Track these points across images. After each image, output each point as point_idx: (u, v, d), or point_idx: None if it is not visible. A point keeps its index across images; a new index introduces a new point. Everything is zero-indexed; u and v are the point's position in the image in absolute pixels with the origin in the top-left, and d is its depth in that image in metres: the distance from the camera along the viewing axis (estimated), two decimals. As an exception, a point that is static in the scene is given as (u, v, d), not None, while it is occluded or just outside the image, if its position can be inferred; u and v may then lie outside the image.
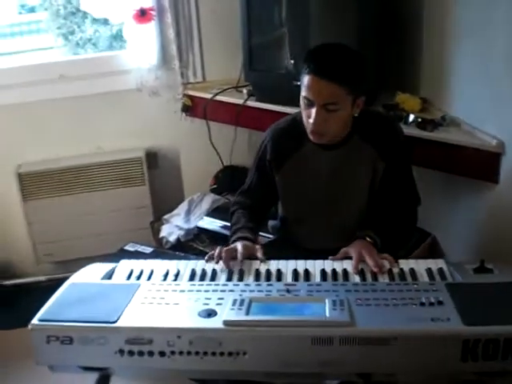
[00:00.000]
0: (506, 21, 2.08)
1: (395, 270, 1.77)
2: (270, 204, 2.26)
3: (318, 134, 1.96)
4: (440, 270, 1.76)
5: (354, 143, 2.05)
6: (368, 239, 1.94)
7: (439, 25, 2.49)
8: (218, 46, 3.16)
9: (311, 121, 1.92)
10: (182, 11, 3.11)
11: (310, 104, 1.91)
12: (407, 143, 2.13)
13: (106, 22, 3.35)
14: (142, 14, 2.99)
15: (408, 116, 2.44)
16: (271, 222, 2.36)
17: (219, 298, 1.61)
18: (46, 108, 3.18)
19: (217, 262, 1.86)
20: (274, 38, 2.87)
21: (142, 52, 3.08)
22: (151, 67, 3.09)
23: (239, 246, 1.92)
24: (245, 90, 3.00)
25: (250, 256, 1.91)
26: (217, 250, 1.90)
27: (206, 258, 1.91)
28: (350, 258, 1.86)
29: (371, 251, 1.85)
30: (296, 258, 1.88)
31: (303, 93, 1.92)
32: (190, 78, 3.23)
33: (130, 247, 2.34)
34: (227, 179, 3.23)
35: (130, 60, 3.12)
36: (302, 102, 1.95)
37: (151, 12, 2.99)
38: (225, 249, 1.90)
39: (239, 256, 1.87)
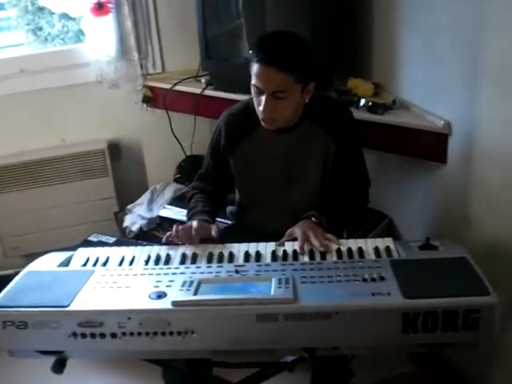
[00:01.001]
0: (451, 4, 2.13)
1: (343, 249, 1.82)
2: (227, 188, 2.30)
3: (269, 120, 2.00)
4: (387, 248, 1.80)
5: (305, 127, 2.09)
6: (313, 219, 1.97)
7: (389, 9, 2.54)
8: (177, 37, 3.18)
9: (261, 108, 1.95)
10: (140, 3, 3.12)
11: (259, 92, 1.94)
12: (356, 125, 2.17)
13: (72, 16, 3.35)
14: (100, 7, 2.99)
15: (359, 100, 2.49)
16: (229, 208, 2.40)
17: (170, 281, 1.65)
18: (8, 102, 3.17)
19: (173, 241, 1.92)
20: (230, 28, 2.91)
21: (100, 44, 3.08)
22: (110, 59, 3.10)
23: (194, 223, 1.95)
24: (203, 80, 3.03)
25: (205, 235, 1.95)
26: (173, 228, 1.94)
27: (163, 240, 1.95)
28: (295, 239, 1.90)
29: (315, 231, 1.88)
30: (251, 240, 1.93)
31: (253, 81, 1.95)
32: (149, 69, 3.25)
33: (93, 238, 2.35)
34: (190, 168, 3.24)
35: (89, 53, 3.12)
36: (252, 89, 1.98)
37: (108, 5, 3.00)
38: (181, 227, 1.93)
39: (193, 233, 1.90)
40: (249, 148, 2.14)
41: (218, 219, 2.54)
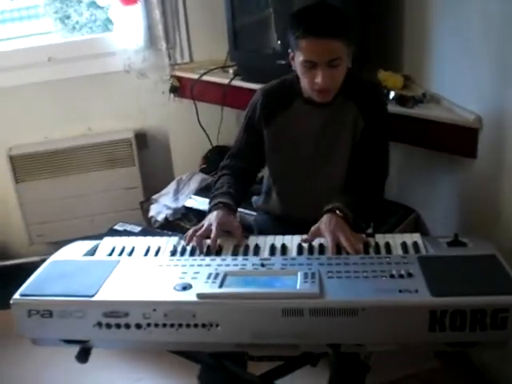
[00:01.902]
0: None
1: (371, 245, 1.79)
2: (259, 166, 2.27)
3: (326, 91, 1.99)
4: (415, 244, 1.78)
5: (340, 102, 2.08)
6: (338, 212, 1.89)
7: (420, 2, 2.51)
8: (205, 27, 3.19)
9: (319, 80, 1.93)
10: (168, -8, 3.12)
11: (312, 66, 1.93)
12: (386, 109, 2.16)
13: (100, 5, 3.37)
14: (128, -4, 3.01)
15: (389, 93, 2.46)
16: (254, 198, 2.39)
17: (195, 273, 1.64)
18: (36, 91, 3.21)
19: (187, 245, 1.85)
20: (259, 19, 2.90)
21: (128, 34, 3.10)
22: (138, 49, 3.12)
23: (214, 227, 1.88)
24: (231, 70, 3.02)
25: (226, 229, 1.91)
26: (190, 232, 1.88)
27: (182, 240, 1.89)
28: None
29: (345, 231, 1.81)
30: (276, 233, 1.91)
31: (303, 57, 1.92)
32: (177, 58, 3.26)
33: (119, 227, 2.35)
34: (216, 159, 3.22)
35: (117, 42, 3.14)
36: (301, 66, 1.96)
37: (137, -7, 3.01)
38: (198, 233, 1.86)
39: (212, 243, 1.83)
40: (285, 121, 2.13)
41: (243, 210, 2.55)
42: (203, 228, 1.89)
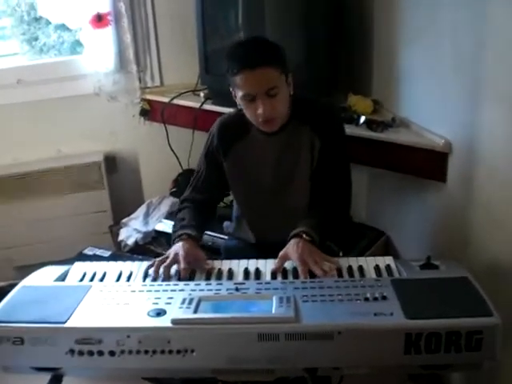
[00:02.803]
0: (451, 21, 2.13)
1: (344, 268, 1.81)
2: (220, 195, 2.31)
3: (270, 121, 2.00)
4: (387, 267, 1.80)
5: (294, 126, 2.10)
6: (305, 236, 1.90)
7: (388, 27, 2.54)
8: (176, 50, 3.18)
9: (260, 111, 1.95)
10: (139, 16, 3.12)
11: (251, 98, 1.95)
12: (342, 126, 2.18)
13: (69, 27, 3.35)
14: (99, 19, 2.99)
15: (359, 118, 2.48)
16: (226, 223, 2.39)
17: (169, 298, 1.64)
18: (4, 113, 3.16)
19: (154, 278, 1.83)
20: (230, 43, 2.90)
21: (99, 56, 3.08)
22: (109, 72, 3.10)
23: (181, 256, 1.88)
24: (202, 94, 3.02)
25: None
26: (156, 263, 1.87)
27: (145, 268, 1.88)
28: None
29: (312, 254, 1.83)
30: (250, 255, 1.92)
31: (241, 92, 1.96)
32: (147, 82, 3.24)
33: (88, 251, 2.33)
34: (187, 182, 3.19)
35: (87, 64, 3.11)
36: (242, 101, 1.99)
37: (108, 17, 3.00)
38: (165, 265, 1.86)
39: (183, 273, 1.83)
40: (242, 151, 2.15)
41: (214, 234, 2.55)
42: (169, 258, 1.89)
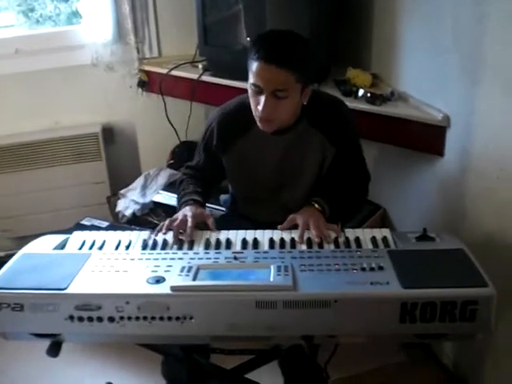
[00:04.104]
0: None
1: (341, 239, 1.81)
2: (217, 181, 2.27)
3: (267, 121, 1.94)
4: (384, 239, 1.80)
5: (303, 128, 2.05)
6: (316, 206, 1.95)
7: (388, 1, 2.54)
8: (174, 21, 3.18)
9: (260, 108, 1.90)
10: (137, -15, 3.10)
11: (258, 91, 1.89)
12: (355, 126, 2.13)
13: (65, -2, 3.34)
14: (97, -11, 2.98)
15: (358, 91, 2.49)
16: (223, 197, 2.40)
17: (168, 266, 1.65)
18: (2, 83, 3.15)
19: (164, 233, 1.86)
20: (229, 14, 2.90)
21: (97, 27, 3.07)
22: (106, 42, 3.10)
23: (189, 217, 1.90)
24: (200, 66, 3.01)
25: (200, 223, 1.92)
26: (166, 222, 1.89)
27: (155, 231, 1.89)
28: (297, 226, 1.88)
29: (318, 220, 1.87)
30: (246, 229, 1.91)
31: (251, 79, 1.89)
32: (145, 53, 3.25)
33: (86, 221, 2.33)
34: (184, 154, 3.23)
35: (85, 35, 3.11)
36: (249, 89, 1.93)
37: (106, -14, 2.99)
38: (175, 224, 1.88)
39: (188, 230, 1.85)
40: (243, 149, 2.11)
41: (212, 206, 2.56)
42: (179, 219, 1.90)
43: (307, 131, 2.05)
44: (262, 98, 1.88)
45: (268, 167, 2.11)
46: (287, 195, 2.15)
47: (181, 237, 1.85)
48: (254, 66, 1.87)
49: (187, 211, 1.94)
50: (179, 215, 1.93)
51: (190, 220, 1.89)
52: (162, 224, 1.91)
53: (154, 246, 1.81)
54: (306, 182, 2.11)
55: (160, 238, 1.86)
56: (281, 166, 2.10)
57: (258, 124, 1.98)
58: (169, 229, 1.88)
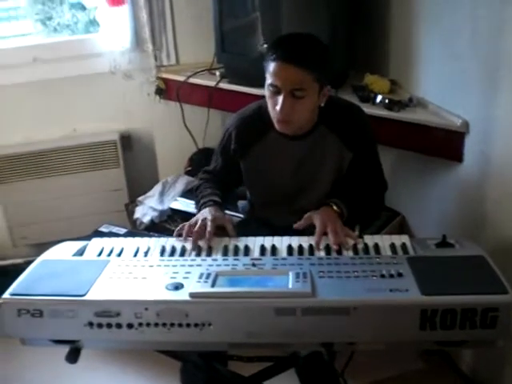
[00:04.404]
0: (472, 2, 2.12)
1: (360, 246, 1.81)
2: (235, 186, 2.27)
3: (285, 122, 1.94)
4: (403, 245, 1.79)
5: (320, 133, 2.05)
6: (334, 207, 1.94)
7: (407, 7, 2.53)
8: (191, 29, 3.18)
9: (278, 108, 1.90)
10: (155, -7, 3.12)
11: (276, 91, 1.90)
12: (372, 131, 2.12)
13: (83, 7, 3.36)
14: (115, -3, 3.00)
15: (376, 97, 2.48)
16: (241, 203, 2.40)
17: (187, 272, 1.65)
18: (20, 91, 3.17)
19: (184, 238, 1.87)
20: (246, 21, 2.90)
21: (115, 35, 3.08)
22: (124, 50, 3.10)
23: (209, 221, 1.90)
24: (218, 73, 3.02)
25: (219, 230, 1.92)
26: (186, 227, 1.90)
27: (174, 233, 1.91)
28: (313, 226, 1.88)
29: (335, 223, 1.86)
30: (264, 235, 1.91)
31: (269, 80, 1.91)
32: (163, 60, 3.25)
33: (104, 228, 2.34)
34: (202, 161, 3.23)
35: (103, 43, 3.12)
36: (267, 90, 1.94)
37: (124, -5, 3.00)
38: (194, 230, 1.88)
39: (208, 235, 1.86)
40: (260, 153, 2.11)
41: (229, 212, 2.55)
42: (198, 224, 1.90)
43: (325, 136, 2.05)
44: (280, 99, 1.89)
45: (285, 172, 2.11)
46: (304, 200, 2.14)
47: (199, 243, 1.85)
48: (271, 66, 1.89)
49: (207, 214, 1.95)
50: (199, 218, 1.94)
51: (209, 224, 1.89)
52: (180, 227, 1.92)
53: (173, 253, 1.82)
54: (323, 187, 2.11)
55: (179, 244, 1.86)
56: (298, 171, 2.10)
57: (276, 126, 1.98)
58: (188, 236, 1.88)
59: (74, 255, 1.84)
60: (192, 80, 3.10)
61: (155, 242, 1.88)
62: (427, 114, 2.39)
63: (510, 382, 2.23)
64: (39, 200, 3.29)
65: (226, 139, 2.16)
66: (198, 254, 1.81)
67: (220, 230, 1.92)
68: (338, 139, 2.05)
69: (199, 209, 2.04)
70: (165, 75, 3.23)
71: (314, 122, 2.03)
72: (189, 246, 1.85)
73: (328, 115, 2.04)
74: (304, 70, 1.86)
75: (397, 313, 1.50)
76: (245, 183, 2.22)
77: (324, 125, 2.05)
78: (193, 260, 1.75)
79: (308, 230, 1.91)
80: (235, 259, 1.74)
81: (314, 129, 2.04)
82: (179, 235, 1.91)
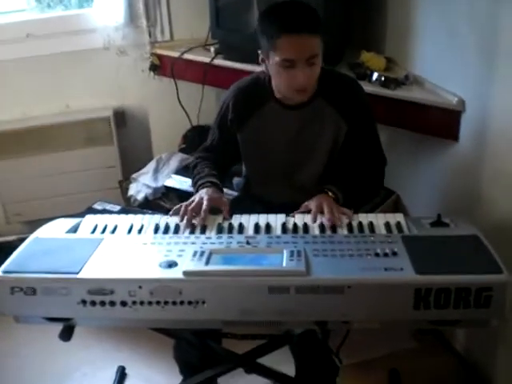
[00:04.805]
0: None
1: (354, 223, 1.80)
2: (232, 161, 2.26)
3: (305, 91, 1.95)
4: (398, 224, 1.79)
5: (318, 104, 2.05)
6: (330, 193, 1.94)
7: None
8: (186, 4, 3.14)
9: (299, 80, 1.89)
10: (149, -32, 3.07)
11: (290, 65, 1.88)
12: (369, 105, 2.12)
13: (77, -18, 3.32)
14: (109, -28, 2.96)
15: (372, 74, 2.46)
16: (236, 180, 2.39)
17: (180, 250, 1.64)
18: (14, 67, 3.14)
19: (181, 221, 1.85)
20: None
21: (108, 10, 3.04)
22: (118, 25, 3.07)
23: (205, 200, 1.89)
24: (212, 49, 2.99)
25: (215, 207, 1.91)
26: (182, 208, 1.88)
27: (170, 212, 1.91)
28: (310, 211, 1.87)
29: (330, 205, 1.86)
30: (259, 213, 1.90)
31: (281, 56, 1.87)
32: (157, 36, 3.21)
33: (98, 205, 2.33)
34: (196, 138, 3.22)
35: (96, 18, 3.08)
36: (277, 66, 1.90)
37: (118, -31, 2.96)
38: (190, 208, 1.87)
39: (202, 214, 1.85)
40: (258, 123, 2.11)
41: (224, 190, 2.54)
42: (194, 202, 1.89)
43: (322, 107, 2.05)
44: (298, 70, 1.88)
45: (282, 142, 2.11)
46: (301, 173, 2.14)
47: (194, 221, 1.84)
48: (279, 42, 1.86)
49: (204, 194, 1.94)
50: (196, 198, 1.92)
51: (205, 203, 1.88)
52: (176, 208, 1.90)
53: (167, 230, 1.81)
54: (320, 158, 2.11)
55: (172, 222, 1.85)
56: (295, 141, 2.10)
57: (293, 97, 1.99)
58: (184, 215, 1.86)
59: (68, 232, 1.83)
60: (186, 56, 3.06)
61: (149, 220, 1.87)
62: (423, 92, 2.38)
63: (503, 361, 2.24)
64: (32, 177, 3.27)
65: (224, 110, 2.15)
66: (192, 232, 1.80)
67: (214, 212, 1.90)
68: (335, 111, 2.05)
69: (196, 190, 2.03)
70: (159, 51, 3.20)
71: (314, 90, 2.01)
72: (183, 224, 1.84)
73: (326, 88, 2.03)
74: (315, 36, 1.86)
75: (391, 292, 1.50)
76: (242, 156, 2.21)
77: (322, 97, 2.04)
78: (187, 238, 1.74)
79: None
80: (229, 237, 1.74)
81: (313, 100, 2.04)
82: (175, 213, 1.89)
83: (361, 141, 2.09)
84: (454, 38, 2.21)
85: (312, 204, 1.88)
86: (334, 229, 1.78)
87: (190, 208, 1.87)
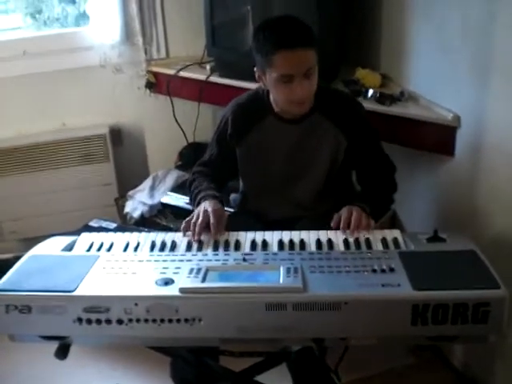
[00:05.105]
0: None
1: (351, 240, 1.81)
2: (229, 177, 2.27)
3: (304, 103, 1.98)
4: (394, 240, 1.79)
5: (316, 119, 2.06)
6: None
7: (398, 1, 2.52)
8: (182, 22, 3.15)
9: (298, 93, 1.91)
10: (145, -14, 3.09)
11: (288, 79, 1.90)
12: (367, 118, 2.14)
13: (72, 0, 3.33)
14: (105, -10, 2.97)
15: (367, 91, 2.47)
16: (232, 196, 2.38)
17: (177, 268, 1.64)
18: (9, 85, 3.14)
19: (195, 239, 1.84)
20: (237, 15, 2.87)
21: (105, 28, 3.05)
22: (114, 43, 3.07)
23: (211, 214, 1.88)
24: (208, 66, 3.00)
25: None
26: (191, 226, 1.87)
27: (182, 226, 1.89)
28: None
29: (360, 213, 1.88)
30: (256, 228, 1.91)
31: (277, 72, 1.90)
32: (153, 54, 3.22)
33: (94, 223, 2.33)
34: (192, 156, 3.21)
35: (93, 36, 3.09)
36: (275, 82, 1.93)
37: (113, -12, 2.97)
38: (198, 223, 1.86)
39: (212, 229, 1.85)
40: (257, 137, 2.12)
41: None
42: (200, 218, 1.88)
43: (320, 122, 2.07)
44: (296, 84, 1.90)
45: (281, 156, 2.12)
46: (298, 188, 2.14)
47: (203, 237, 1.84)
48: (275, 59, 1.89)
49: (207, 206, 1.93)
50: (199, 212, 1.91)
51: (212, 216, 1.87)
52: (185, 227, 1.89)
53: (163, 248, 1.80)
54: (318, 174, 2.11)
55: (168, 239, 1.85)
56: (293, 155, 2.11)
57: (293, 110, 2.01)
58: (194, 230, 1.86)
59: (63, 250, 1.83)
60: (182, 74, 3.07)
61: (145, 237, 1.87)
62: (418, 108, 2.38)
63: (501, 376, 2.23)
64: (28, 194, 3.26)
65: (223, 125, 2.17)
66: (188, 249, 1.79)
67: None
68: (333, 125, 2.06)
69: (197, 205, 2.02)
70: (155, 69, 3.20)
71: (311, 106, 2.03)
72: (179, 239, 1.85)
73: (323, 103, 2.05)
74: (309, 49, 1.89)
75: (388, 308, 1.50)
76: (240, 170, 2.21)
77: (319, 112, 2.06)
78: (183, 255, 1.74)
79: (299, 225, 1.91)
80: (226, 254, 1.74)
81: (310, 114, 2.05)
82: (186, 229, 1.88)
83: (367, 154, 2.11)
84: (448, 54, 2.22)
85: (343, 211, 1.90)
86: (330, 245, 1.78)
87: (198, 223, 1.86)
